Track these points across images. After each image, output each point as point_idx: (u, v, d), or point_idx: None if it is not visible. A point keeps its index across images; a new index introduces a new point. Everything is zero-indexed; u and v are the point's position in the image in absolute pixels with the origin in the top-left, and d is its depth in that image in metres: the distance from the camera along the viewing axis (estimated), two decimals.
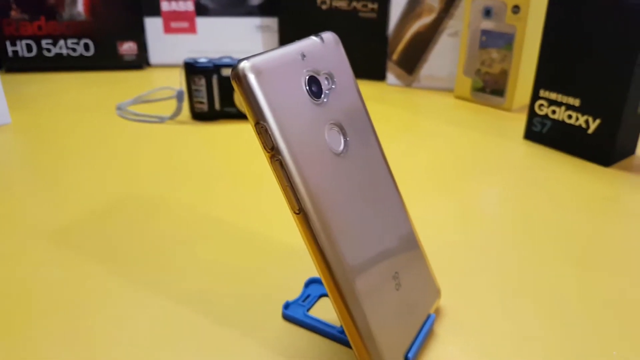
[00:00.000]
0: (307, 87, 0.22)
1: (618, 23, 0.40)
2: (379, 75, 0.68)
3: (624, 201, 0.38)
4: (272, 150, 0.20)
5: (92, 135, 0.50)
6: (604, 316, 0.27)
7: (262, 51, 0.21)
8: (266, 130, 0.20)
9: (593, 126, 0.44)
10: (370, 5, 0.65)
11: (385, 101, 0.61)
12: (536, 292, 0.29)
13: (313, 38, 0.23)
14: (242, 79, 0.19)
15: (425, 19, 0.62)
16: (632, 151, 0.46)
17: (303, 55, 0.22)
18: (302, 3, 0.68)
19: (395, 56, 0.65)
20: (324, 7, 0.67)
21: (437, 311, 0.27)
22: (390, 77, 0.66)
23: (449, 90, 0.64)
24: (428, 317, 0.26)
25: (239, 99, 0.53)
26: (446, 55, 0.62)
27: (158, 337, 0.25)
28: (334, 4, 0.66)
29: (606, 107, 0.43)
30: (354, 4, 0.66)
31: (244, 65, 0.19)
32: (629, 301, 0.28)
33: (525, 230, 0.35)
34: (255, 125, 0.20)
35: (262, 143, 0.20)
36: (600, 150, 0.44)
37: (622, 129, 0.43)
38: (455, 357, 0.25)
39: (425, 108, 0.58)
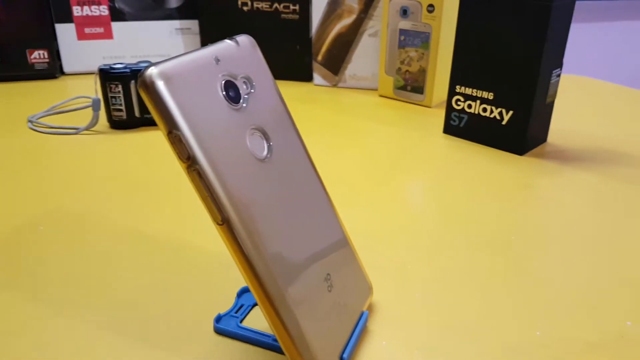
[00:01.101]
0: (224, 92, 0.21)
1: (524, 20, 0.43)
2: (305, 76, 0.68)
3: (538, 187, 0.41)
4: (189, 160, 0.19)
5: (2, 150, 0.46)
6: (527, 298, 0.29)
7: (172, 56, 0.20)
8: (180, 140, 0.19)
9: (507, 118, 0.46)
10: (292, 7, 0.65)
11: (312, 102, 0.61)
12: (464, 280, 0.30)
13: (227, 41, 0.23)
14: (149, 87, 0.18)
15: (346, 20, 0.63)
16: (543, 139, 0.49)
17: (217, 59, 0.21)
18: (222, 5, 0.67)
19: (320, 57, 0.66)
20: (245, 8, 0.66)
21: (370, 307, 0.28)
22: (317, 77, 0.67)
23: (374, 89, 0.65)
24: (361, 314, 0.26)
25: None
26: (368, 55, 0.63)
27: None
28: (256, 5, 0.66)
29: (518, 99, 0.45)
30: (276, 5, 0.65)
31: (152, 71, 0.18)
32: (548, 282, 0.30)
33: (449, 220, 0.36)
34: (167, 135, 0.19)
35: (177, 153, 0.19)
36: (514, 140, 0.46)
37: (533, 119, 0.45)
38: (390, 351, 0.25)
39: (351, 107, 0.59)
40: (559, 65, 0.46)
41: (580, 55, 1.53)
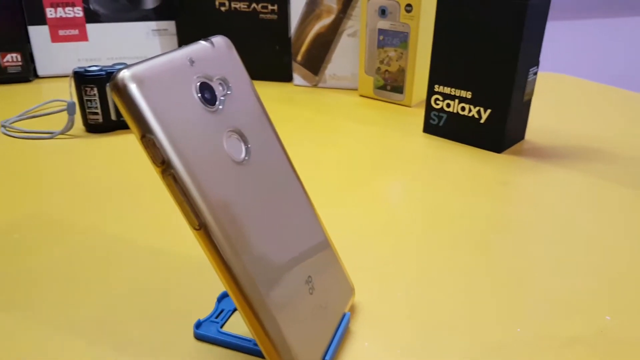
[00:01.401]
0: (199, 94, 0.21)
1: (501, 19, 0.43)
2: (285, 76, 0.68)
3: (517, 184, 0.41)
4: (163, 164, 0.19)
5: None
6: (507, 295, 0.29)
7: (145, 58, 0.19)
8: (154, 144, 0.18)
9: (485, 116, 0.47)
10: (270, 7, 0.65)
11: (292, 102, 0.60)
12: (445, 279, 0.30)
13: (202, 42, 0.22)
14: (122, 90, 0.18)
15: (325, 20, 0.62)
16: (521, 137, 0.50)
17: (192, 61, 0.21)
18: (200, 5, 0.66)
19: (299, 57, 0.65)
20: (223, 9, 0.66)
21: (352, 309, 0.28)
22: (297, 78, 0.67)
23: (354, 89, 0.65)
24: (343, 316, 0.26)
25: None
26: (348, 55, 0.63)
27: None
28: (234, 5, 0.65)
29: (495, 97, 0.46)
30: (254, 5, 0.65)
31: (124, 74, 0.18)
32: (528, 278, 0.30)
33: (430, 219, 0.36)
34: (141, 139, 0.18)
35: (151, 157, 0.19)
36: (493, 138, 0.47)
37: (510, 117, 0.46)
38: (372, 352, 0.25)
39: (331, 107, 0.59)
40: (536, 63, 0.46)
41: (558, 53, 1.55)
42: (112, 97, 0.49)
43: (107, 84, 0.49)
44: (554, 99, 0.63)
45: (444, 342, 0.25)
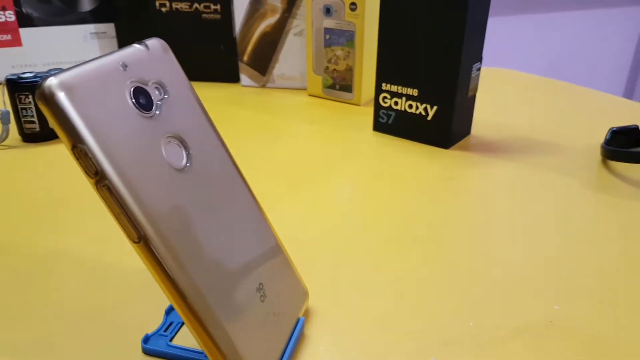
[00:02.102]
0: (133, 100, 0.20)
1: (443, 16, 0.44)
2: (232, 77, 0.67)
3: (464, 178, 0.42)
4: (97, 175, 0.18)
5: None
6: (459, 289, 0.29)
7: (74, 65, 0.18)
8: (86, 154, 0.17)
9: (431, 113, 0.47)
10: (213, 7, 0.63)
11: (240, 103, 0.59)
12: (398, 277, 0.30)
13: (136, 45, 0.21)
14: (49, 99, 0.17)
15: (271, 19, 0.62)
16: (467, 132, 0.51)
17: (124, 65, 0.20)
18: (139, 6, 0.64)
19: (246, 57, 0.64)
20: (163, 9, 0.64)
21: (307, 313, 0.27)
22: (244, 78, 0.66)
23: (303, 88, 0.65)
24: (298, 321, 0.25)
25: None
26: (295, 55, 0.63)
27: None
28: (175, 6, 0.63)
29: (440, 94, 0.46)
30: (196, 5, 0.63)
31: (51, 82, 0.17)
32: (479, 272, 0.31)
33: (382, 217, 0.36)
34: (72, 150, 0.17)
35: (84, 169, 0.18)
36: (440, 134, 0.48)
37: (456, 113, 0.47)
38: (328, 355, 0.25)
39: (280, 108, 0.58)
40: (479, 59, 0.47)
41: (499, 48, 1.60)
42: None
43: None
44: (498, 93, 0.65)
45: (399, 341, 0.25)
